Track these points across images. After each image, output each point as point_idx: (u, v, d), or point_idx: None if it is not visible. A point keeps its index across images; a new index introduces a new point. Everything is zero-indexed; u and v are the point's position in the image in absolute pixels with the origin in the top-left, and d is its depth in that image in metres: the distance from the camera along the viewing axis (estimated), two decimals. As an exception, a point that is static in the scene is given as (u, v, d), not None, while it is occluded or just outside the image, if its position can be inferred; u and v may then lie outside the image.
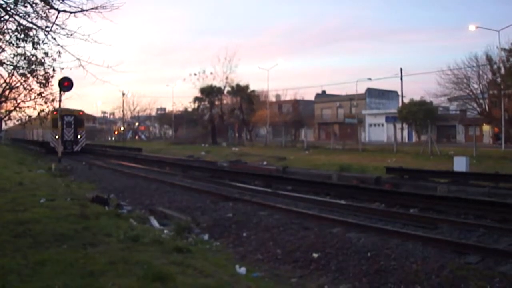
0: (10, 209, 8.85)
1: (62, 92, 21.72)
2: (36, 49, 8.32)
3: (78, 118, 30.45)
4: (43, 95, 11.96)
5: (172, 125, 76.39)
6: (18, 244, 6.22)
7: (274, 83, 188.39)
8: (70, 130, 28.98)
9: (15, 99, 16.00)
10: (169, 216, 10.49)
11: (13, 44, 8.44)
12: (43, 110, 12.58)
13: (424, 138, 38.40)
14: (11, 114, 17.79)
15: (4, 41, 8.54)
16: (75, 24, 7.41)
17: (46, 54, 8.64)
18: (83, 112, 34.45)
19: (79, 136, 31.43)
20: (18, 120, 16.65)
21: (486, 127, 45.46)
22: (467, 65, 40.37)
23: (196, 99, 55.17)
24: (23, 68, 9.75)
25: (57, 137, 28.27)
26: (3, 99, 16.71)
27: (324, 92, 71.51)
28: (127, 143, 59.92)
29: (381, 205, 11.63)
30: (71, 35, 7.35)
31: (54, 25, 7.33)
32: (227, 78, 53.82)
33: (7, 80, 14.37)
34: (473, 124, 39.65)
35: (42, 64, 9.24)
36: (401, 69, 48.99)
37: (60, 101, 22.59)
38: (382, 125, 56.39)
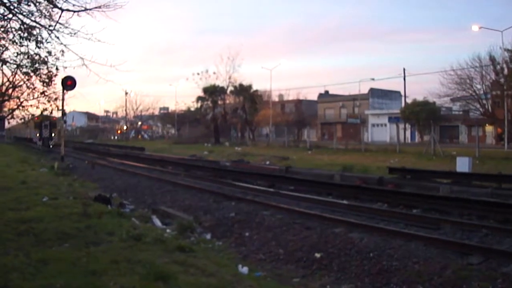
0: (13, 208, 8.86)
1: (65, 91, 21.81)
2: (39, 48, 8.36)
3: (52, 122, 38.06)
4: (46, 94, 12.01)
5: (175, 124, 76.42)
6: (21, 243, 6.22)
7: (277, 83, 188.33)
8: (47, 131, 38.29)
9: (18, 97, 16.09)
10: (171, 215, 10.50)
11: (16, 43, 8.48)
12: (46, 109, 12.60)
13: (427, 138, 38.30)
14: (14, 113, 17.85)
15: (8, 40, 8.59)
16: (79, 23, 7.44)
17: (50, 53, 8.66)
18: (56, 117, 43.20)
19: (53, 135, 40.32)
20: (21, 119, 16.69)
21: (489, 128, 45.32)
22: (470, 66, 40.41)
23: (199, 98, 55.17)
24: (26, 67, 9.77)
25: (38, 135, 39.60)
26: (6, 97, 16.77)
27: (327, 92, 71.39)
28: (129, 142, 60.02)
29: (384, 205, 11.60)
30: (75, 34, 7.38)
31: (58, 24, 7.36)
32: (230, 77, 53.91)
33: (10, 79, 14.45)
34: (476, 125, 39.48)
35: (45, 63, 9.26)
36: (404, 69, 49.11)
37: (63, 100, 22.70)
38: (385, 125, 56.17)
